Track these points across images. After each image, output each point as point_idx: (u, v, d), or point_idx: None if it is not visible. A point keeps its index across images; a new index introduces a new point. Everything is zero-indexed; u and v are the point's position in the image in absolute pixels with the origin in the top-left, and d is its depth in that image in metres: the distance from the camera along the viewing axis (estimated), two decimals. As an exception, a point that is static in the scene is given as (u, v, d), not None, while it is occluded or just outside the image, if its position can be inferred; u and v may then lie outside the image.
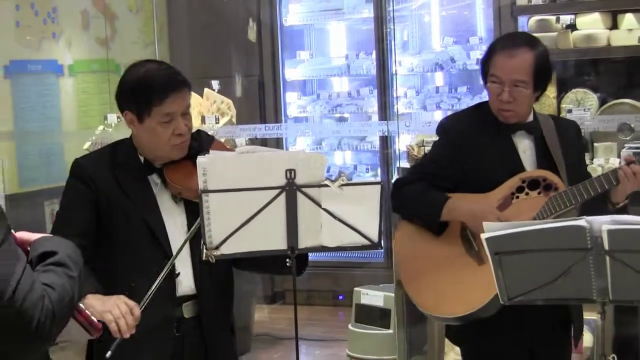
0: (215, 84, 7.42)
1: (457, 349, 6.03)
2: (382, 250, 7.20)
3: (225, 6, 8.30)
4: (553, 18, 6.94)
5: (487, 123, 3.78)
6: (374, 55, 7.93)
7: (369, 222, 3.11)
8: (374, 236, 3.13)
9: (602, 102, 6.68)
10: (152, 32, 8.12)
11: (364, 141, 8.23)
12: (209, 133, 3.75)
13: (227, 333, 3.57)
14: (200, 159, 3.08)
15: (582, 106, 6.61)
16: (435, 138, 4.07)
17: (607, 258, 3.08)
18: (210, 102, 7.34)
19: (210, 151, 3.19)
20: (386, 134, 6.83)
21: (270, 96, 8.36)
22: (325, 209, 3.09)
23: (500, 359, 3.77)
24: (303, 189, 3.08)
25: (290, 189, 3.07)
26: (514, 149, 3.76)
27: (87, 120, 7.92)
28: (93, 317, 2.63)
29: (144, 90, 3.36)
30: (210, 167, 3.07)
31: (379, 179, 7.74)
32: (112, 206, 3.38)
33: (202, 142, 3.52)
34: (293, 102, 8.48)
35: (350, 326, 6.88)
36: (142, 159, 3.45)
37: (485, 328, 3.67)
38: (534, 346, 3.79)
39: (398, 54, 7.37)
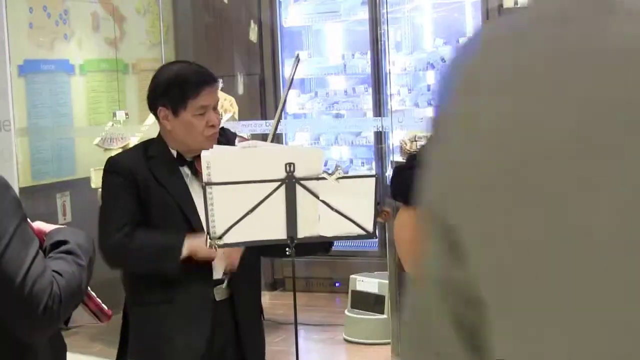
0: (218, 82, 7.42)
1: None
2: (377, 240, 7.20)
3: (227, 8, 8.29)
4: (538, 20, 6.93)
5: None
6: (368, 55, 7.93)
7: (365, 213, 3.12)
8: (369, 226, 3.14)
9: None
10: (158, 33, 8.12)
11: (359, 136, 8.23)
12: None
13: (257, 316, 3.62)
14: (204, 153, 3.09)
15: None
16: (427, 133, 4.07)
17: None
18: (213, 100, 7.34)
19: (215, 146, 3.19)
20: (380, 129, 6.83)
21: (271, 94, 8.36)
22: (322, 201, 3.10)
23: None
24: (302, 182, 3.08)
25: (290, 182, 3.08)
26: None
27: (97, 117, 7.92)
28: (103, 305, 2.64)
29: (179, 85, 3.40)
30: (214, 161, 3.08)
31: (373, 172, 7.74)
32: (150, 195, 3.40)
33: (228, 137, 3.56)
34: (292, 100, 8.47)
35: (346, 312, 6.90)
36: (174, 152, 3.45)
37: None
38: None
39: (392, 53, 7.37)
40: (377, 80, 7.78)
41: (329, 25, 8.54)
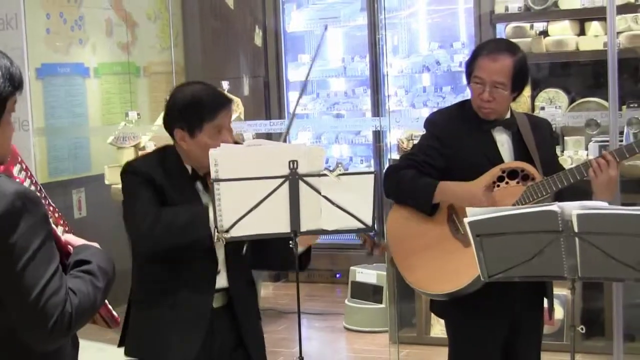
0: (225, 84, 7.40)
1: (442, 321, 6.06)
2: (376, 233, 7.19)
3: (234, 14, 8.28)
4: (527, 25, 6.93)
5: (469, 119, 3.78)
6: (367, 59, 7.93)
7: (364, 208, 3.12)
8: (368, 220, 3.13)
9: (572, 100, 6.68)
10: (168, 37, 8.11)
11: (358, 135, 8.23)
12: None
13: (255, 319, 3.58)
14: (212, 151, 3.08)
15: (554, 104, 6.61)
16: (422, 132, 4.06)
17: (577, 239, 3.08)
18: (220, 101, 7.33)
19: (222, 144, 3.18)
20: (378, 129, 6.81)
21: (275, 95, 8.36)
22: (324, 196, 3.09)
23: (481, 330, 3.76)
24: (304, 178, 3.08)
25: (293, 178, 3.07)
26: (493, 143, 3.76)
27: (111, 117, 7.92)
28: (114, 312, 2.65)
29: (195, 108, 3.33)
30: (221, 158, 3.07)
31: (372, 169, 7.73)
32: (166, 201, 3.34)
33: None
34: (295, 101, 8.47)
35: (346, 301, 6.90)
36: (189, 168, 3.41)
37: (466, 303, 3.67)
38: (514, 319, 3.78)
39: (389, 57, 7.36)
40: (376, 82, 7.78)
41: (330, 31, 8.53)
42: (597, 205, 3.11)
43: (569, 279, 3.18)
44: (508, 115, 3.80)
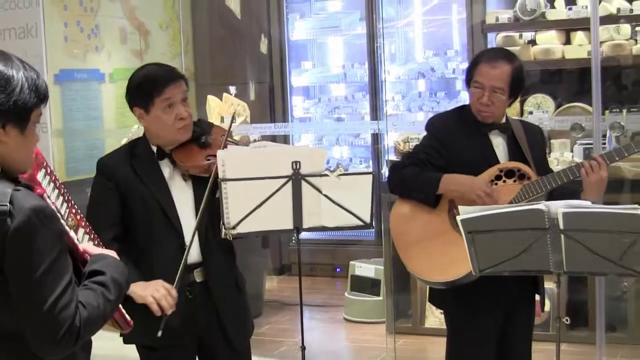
0: (232, 89, 7.42)
1: (437, 313, 6.06)
2: (373, 230, 7.20)
3: (241, 23, 8.28)
4: (517, 35, 6.93)
5: (467, 122, 3.80)
6: (366, 65, 7.92)
7: (362, 206, 3.12)
8: (367, 218, 3.14)
9: (558, 105, 6.68)
10: (179, 45, 8.11)
11: (358, 138, 8.22)
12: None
13: (233, 291, 3.49)
14: (220, 152, 3.08)
15: (541, 109, 6.61)
16: (418, 135, 4.08)
17: (562, 236, 3.08)
18: (228, 105, 7.34)
19: (229, 146, 3.18)
20: (377, 131, 6.82)
21: (279, 100, 8.36)
22: (325, 195, 3.10)
23: (478, 321, 3.76)
24: (307, 178, 3.08)
25: (296, 178, 3.07)
26: (489, 144, 3.78)
27: (124, 120, 7.91)
28: (127, 316, 2.62)
29: (146, 85, 3.39)
30: (228, 159, 3.07)
31: (370, 169, 7.73)
32: (131, 192, 3.38)
33: (203, 127, 3.51)
34: (298, 105, 8.48)
35: (346, 294, 6.90)
36: (154, 148, 3.43)
37: (465, 295, 3.67)
38: (509, 311, 3.79)
39: (387, 64, 7.36)
40: (374, 88, 7.77)
41: (331, 39, 8.54)
42: (582, 204, 3.12)
43: (555, 273, 3.19)
44: (503, 120, 3.83)
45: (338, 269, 7.89)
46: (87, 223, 2.61)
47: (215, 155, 3.21)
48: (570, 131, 5.64)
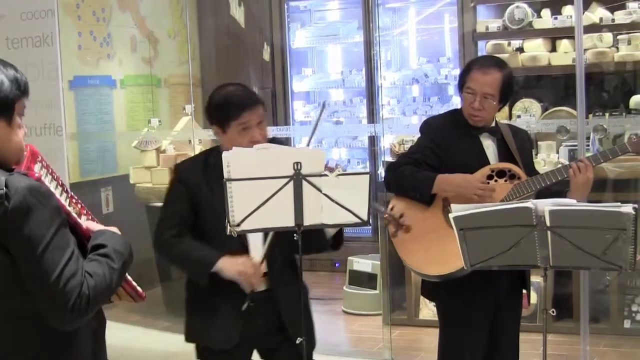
0: (237, 94, 7.41)
1: (430, 305, 6.05)
2: (370, 227, 7.20)
3: (245, 32, 8.28)
4: (505, 42, 6.93)
5: (459, 125, 3.80)
6: (363, 72, 7.93)
7: (360, 204, 3.11)
8: (364, 215, 3.13)
9: (544, 109, 6.68)
10: (186, 53, 8.11)
11: (355, 140, 8.22)
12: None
13: (294, 297, 3.43)
14: (225, 154, 3.07)
15: (529, 112, 6.61)
16: (413, 137, 4.08)
17: (549, 233, 3.08)
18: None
19: (234, 147, 3.17)
20: (373, 134, 6.81)
21: (281, 104, 8.36)
22: (325, 194, 3.09)
23: (469, 312, 3.76)
24: (307, 178, 3.07)
25: (297, 178, 3.06)
26: (480, 146, 3.79)
27: (135, 124, 7.92)
28: (138, 288, 2.63)
29: (224, 108, 3.40)
30: (233, 160, 3.06)
31: (368, 170, 7.73)
32: (202, 199, 3.42)
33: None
34: (299, 109, 8.48)
35: (344, 287, 6.90)
36: None
37: (456, 288, 3.67)
38: (498, 304, 3.79)
39: (383, 70, 7.35)
40: (371, 93, 7.78)
41: (330, 47, 8.54)
42: (567, 203, 3.12)
43: (541, 267, 3.18)
44: (493, 124, 3.84)
45: (337, 264, 7.89)
46: (88, 211, 2.61)
47: None
48: (556, 133, 5.64)
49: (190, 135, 6.92)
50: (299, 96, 8.49)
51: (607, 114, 5.78)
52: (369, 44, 7.64)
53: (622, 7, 6.51)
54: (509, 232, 3.13)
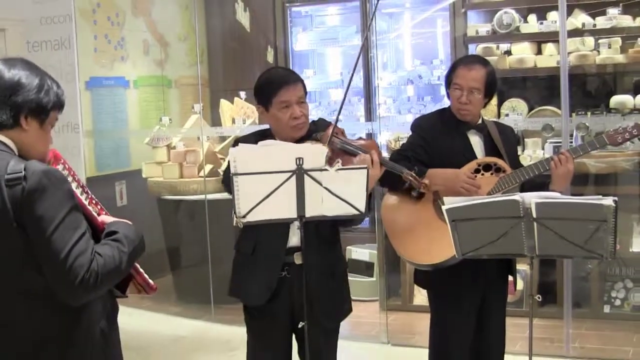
0: (242, 94, 7.41)
1: (423, 292, 6.05)
2: (368, 219, 7.20)
3: (250, 36, 8.27)
4: (494, 46, 6.92)
5: (448, 122, 3.81)
6: (361, 73, 7.91)
7: (358, 197, 3.10)
8: (362, 207, 3.12)
9: (530, 108, 6.67)
10: (195, 55, 8.10)
11: (354, 137, 8.20)
12: (237, 131, 3.73)
13: (325, 276, 3.44)
14: (231, 150, 3.06)
15: (516, 111, 6.60)
16: (408, 134, 4.08)
17: (535, 224, 3.08)
18: (239, 108, 7.33)
19: (239, 144, 3.16)
20: (371, 132, 6.80)
21: (284, 104, 8.34)
22: (325, 187, 3.08)
23: (458, 298, 3.76)
24: (309, 172, 3.07)
25: (299, 172, 3.06)
26: (467, 142, 3.79)
27: (147, 122, 7.92)
28: (149, 280, 2.65)
29: (265, 87, 3.43)
30: (239, 156, 3.05)
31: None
32: None
33: (318, 126, 3.57)
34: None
35: (343, 275, 6.88)
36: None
37: (446, 275, 3.67)
38: (485, 290, 3.79)
39: (379, 71, 7.34)
40: (368, 93, 7.76)
41: (330, 50, 8.52)
42: (552, 195, 3.12)
43: (528, 256, 3.18)
44: (480, 121, 3.84)
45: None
46: (107, 212, 2.65)
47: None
48: (541, 131, 5.64)
49: (198, 133, 6.92)
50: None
51: (589, 113, 5.78)
52: (366, 47, 7.61)
53: (603, 13, 6.50)
54: (498, 223, 3.13)
